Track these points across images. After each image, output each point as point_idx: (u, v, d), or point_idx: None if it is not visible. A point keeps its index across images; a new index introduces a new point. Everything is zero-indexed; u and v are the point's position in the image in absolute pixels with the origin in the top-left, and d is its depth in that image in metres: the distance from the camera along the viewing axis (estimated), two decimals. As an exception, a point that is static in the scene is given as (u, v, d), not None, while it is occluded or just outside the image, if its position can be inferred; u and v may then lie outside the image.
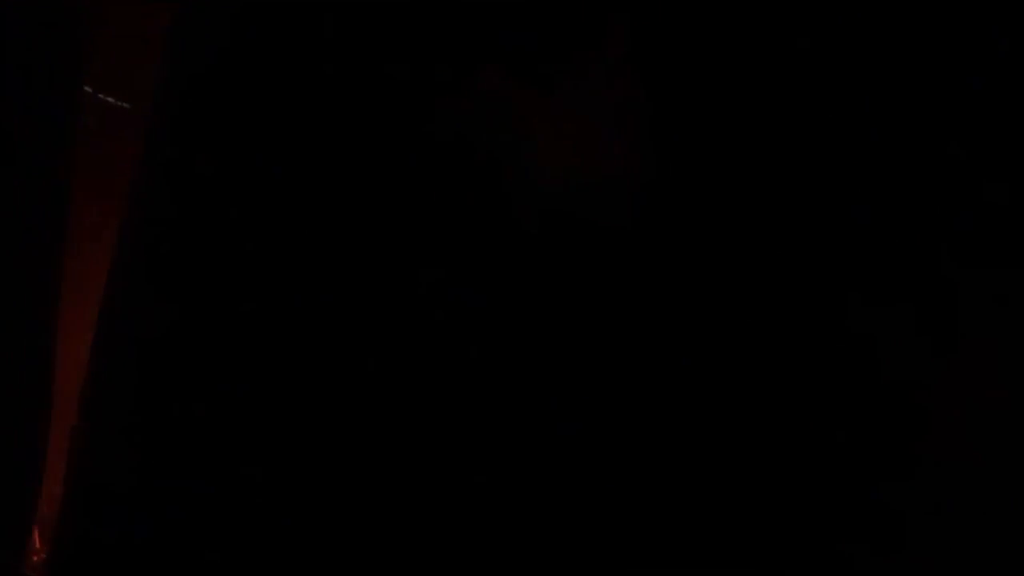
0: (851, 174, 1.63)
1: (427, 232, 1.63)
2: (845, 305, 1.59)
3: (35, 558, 1.73)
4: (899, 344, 1.60)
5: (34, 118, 1.65)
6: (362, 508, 1.55)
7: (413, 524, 1.55)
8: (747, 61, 1.65)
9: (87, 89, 1.82)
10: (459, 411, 1.58)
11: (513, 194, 1.63)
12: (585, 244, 1.62)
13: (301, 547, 1.53)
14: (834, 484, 1.56)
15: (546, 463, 1.58)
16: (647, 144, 1.61)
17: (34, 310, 1.62)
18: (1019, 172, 1.61)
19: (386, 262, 1.63)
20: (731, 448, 1.58)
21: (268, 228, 1.63)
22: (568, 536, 1.55)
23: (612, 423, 1.57)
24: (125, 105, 1.86)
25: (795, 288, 1.61)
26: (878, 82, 1.65)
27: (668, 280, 1.62)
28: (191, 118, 1.66)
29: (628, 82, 1.63)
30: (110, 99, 1.98)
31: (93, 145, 1.81)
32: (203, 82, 1.66)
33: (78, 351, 1.62)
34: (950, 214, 1.62)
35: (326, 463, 1.57)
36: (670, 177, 1.62)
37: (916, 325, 1.59)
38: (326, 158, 1.65)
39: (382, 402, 1.60)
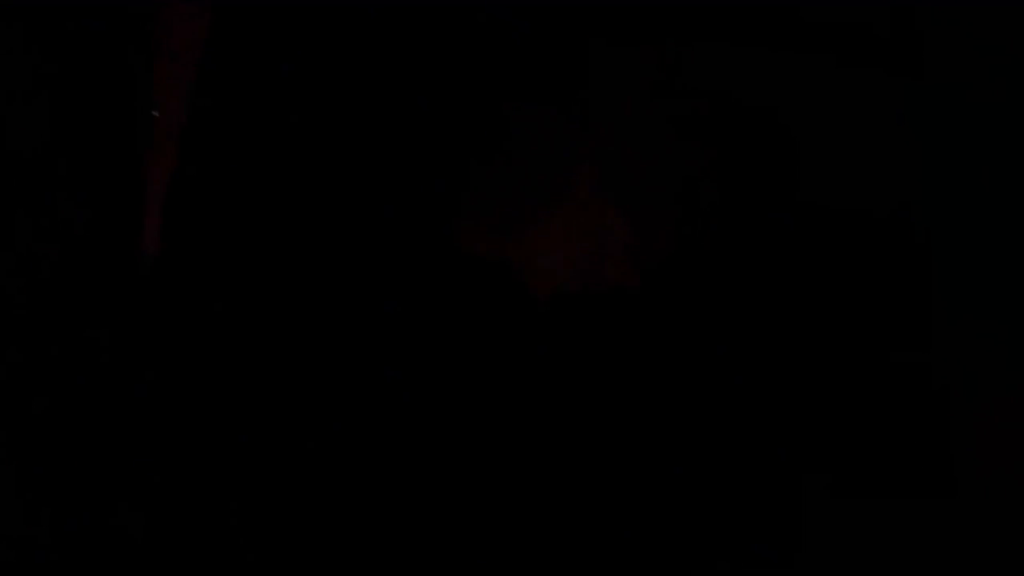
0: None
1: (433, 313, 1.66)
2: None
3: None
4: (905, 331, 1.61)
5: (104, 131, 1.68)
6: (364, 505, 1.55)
7: (416, 523, 1.55)
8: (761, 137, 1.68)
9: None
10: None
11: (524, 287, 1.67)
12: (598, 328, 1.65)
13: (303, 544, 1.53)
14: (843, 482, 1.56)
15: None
16: (634, 257, 1.64)
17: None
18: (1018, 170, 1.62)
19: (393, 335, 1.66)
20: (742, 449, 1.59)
21: (295, 238, 1.67)
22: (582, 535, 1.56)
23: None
24: (155, 113, 1.88)
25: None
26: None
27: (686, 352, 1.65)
28: (225, 130, 1.69)
29: (604, 199, 1.66)
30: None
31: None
32: (239, 99, 1.69)
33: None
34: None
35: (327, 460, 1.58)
36: (659, 284, 1.65)
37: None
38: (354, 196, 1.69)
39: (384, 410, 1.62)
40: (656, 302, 1.63)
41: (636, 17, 1.70)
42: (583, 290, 1.64)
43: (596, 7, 1.70)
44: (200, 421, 1.57)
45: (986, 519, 1.49)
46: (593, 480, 1.58)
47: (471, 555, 1.56)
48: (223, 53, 1.69)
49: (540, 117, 1.69)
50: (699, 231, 1.66)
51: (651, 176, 1.68)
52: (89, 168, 1.66)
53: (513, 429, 1.62)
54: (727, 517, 1.55)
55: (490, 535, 1.56)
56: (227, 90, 1.69)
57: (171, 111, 1.78)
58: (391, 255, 1.66)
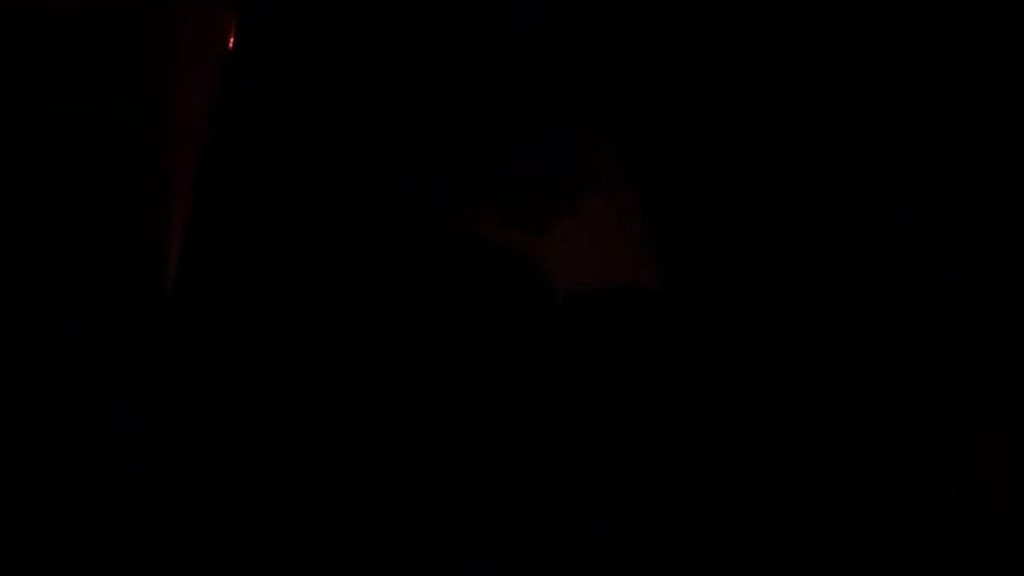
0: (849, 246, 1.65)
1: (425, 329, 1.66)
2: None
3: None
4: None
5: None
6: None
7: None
8: (739, 157, 1.68)
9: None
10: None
11: (519, 301, 1.67)
12: (594, 346, 1.66)
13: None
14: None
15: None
16: (653, 250, 1.64)
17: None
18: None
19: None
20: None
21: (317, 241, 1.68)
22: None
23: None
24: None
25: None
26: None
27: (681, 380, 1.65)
28: (249, 135, 1.71)
29: (625, 191, 1.66)
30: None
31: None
32: (262, 105, 1.71)
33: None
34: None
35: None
36: (677, 283, 1.65)
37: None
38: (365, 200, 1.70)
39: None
40: (675, 296, 1.63)
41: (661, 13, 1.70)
42: (600, 281, 1.63)
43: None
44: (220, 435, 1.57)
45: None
46: (598, 473, 1.58)
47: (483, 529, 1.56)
48: (250, 58, 1.69)
49: (561, 105, 1.69)
50: (725, 223, 1.65)
51: (677, 163, 1.68)
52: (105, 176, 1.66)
53: (523, 420, 1.63)
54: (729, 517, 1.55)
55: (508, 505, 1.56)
56: (253, 100, 1.70)
57: (188, 112, 1.77)
58: (410, 248, 1.66)
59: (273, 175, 1.69)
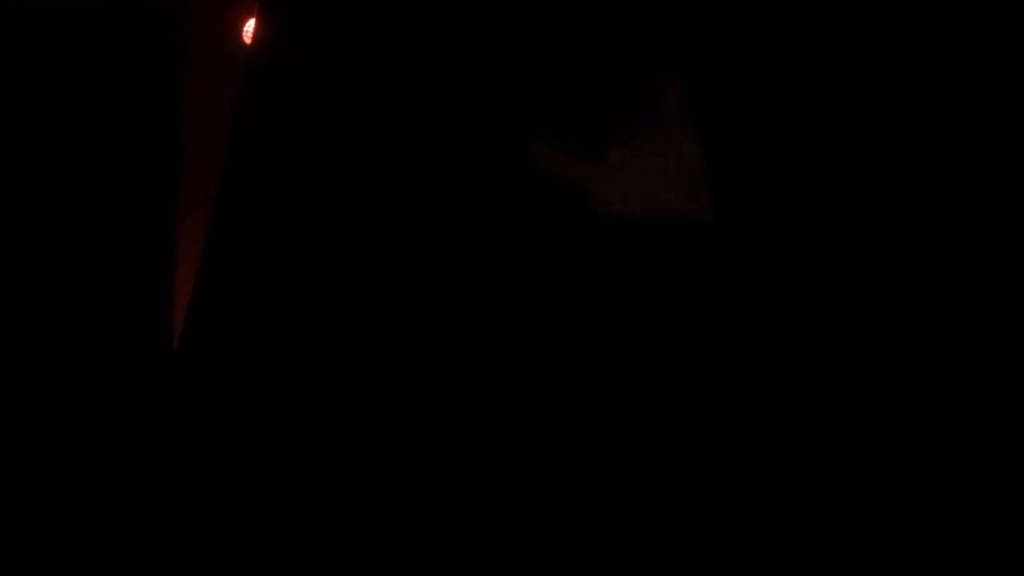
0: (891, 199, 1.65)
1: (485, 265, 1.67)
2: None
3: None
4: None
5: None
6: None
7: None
8: (792, 101, 1.68)
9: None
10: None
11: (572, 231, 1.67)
12: (648, 280, 1.66)
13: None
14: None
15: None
16: (703, 185, 1.64)
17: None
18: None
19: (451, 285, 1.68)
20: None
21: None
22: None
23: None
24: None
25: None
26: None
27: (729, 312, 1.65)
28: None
29: (685, 128, 1.67)
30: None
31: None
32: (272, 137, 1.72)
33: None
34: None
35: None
36: (728, 218, 1.65)
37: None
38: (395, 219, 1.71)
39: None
40: (718, 235, 1.63)
41: None
42: (647, 210, 1.64)
43: None
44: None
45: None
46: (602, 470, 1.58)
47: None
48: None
49: (629, 43, 1.69)
50: (776, 167, 1.65)
51: (736, 106, 1.68)
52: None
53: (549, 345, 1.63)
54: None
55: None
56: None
57: (197, 112, 1.77)
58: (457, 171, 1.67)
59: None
